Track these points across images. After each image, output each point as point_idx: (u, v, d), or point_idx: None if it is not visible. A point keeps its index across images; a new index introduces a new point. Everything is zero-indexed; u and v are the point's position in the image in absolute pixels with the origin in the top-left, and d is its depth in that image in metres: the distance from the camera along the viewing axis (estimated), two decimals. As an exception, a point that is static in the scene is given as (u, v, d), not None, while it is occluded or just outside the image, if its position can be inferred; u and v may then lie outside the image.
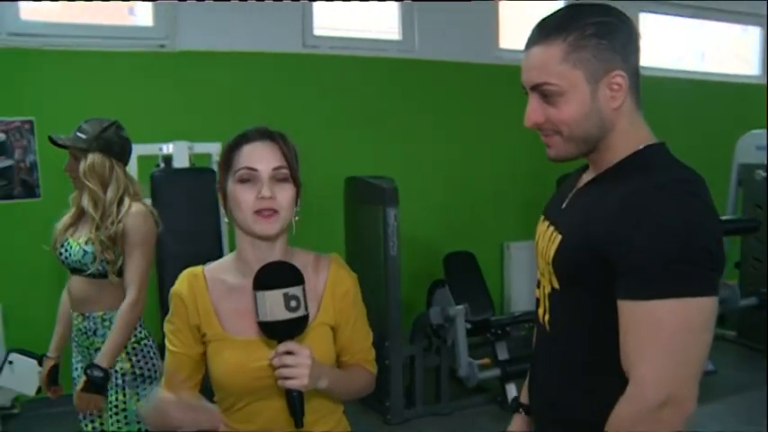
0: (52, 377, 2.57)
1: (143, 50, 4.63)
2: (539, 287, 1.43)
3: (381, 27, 5.51)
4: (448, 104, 5.57)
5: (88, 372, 2.31)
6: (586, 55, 1.22)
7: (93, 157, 2.39)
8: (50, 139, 2.45)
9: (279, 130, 1.53)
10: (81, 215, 2.44)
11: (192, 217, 3.60)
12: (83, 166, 2.39)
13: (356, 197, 4.50)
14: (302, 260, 1.49)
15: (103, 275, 2.39)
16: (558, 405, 1.35)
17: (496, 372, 4.12)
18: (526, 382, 1.56)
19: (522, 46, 1.31)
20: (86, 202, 2.40)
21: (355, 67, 5.26)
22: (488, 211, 5.73)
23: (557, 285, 1.32)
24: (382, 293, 4.14)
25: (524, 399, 1.56)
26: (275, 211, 1.45)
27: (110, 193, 2.40)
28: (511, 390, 4.06)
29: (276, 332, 1.36)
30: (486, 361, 4.13)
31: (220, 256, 3.18)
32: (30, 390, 2.78)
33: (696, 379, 1.15)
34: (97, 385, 2.30)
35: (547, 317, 1.38)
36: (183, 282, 1.54)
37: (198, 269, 1.56)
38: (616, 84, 1.24)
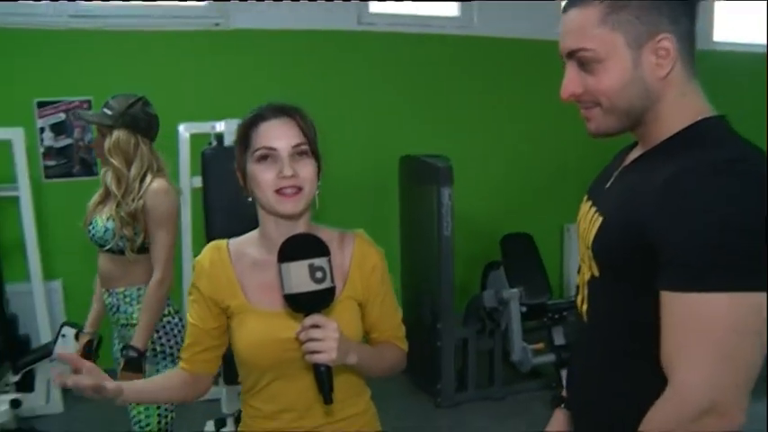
0: (87, 352, 2.61)
1: (198, 30, 4.65)
2: (579, 273, 1.31)
3: (438, 3, 5.38)
4: (507, 82, 5.41)
5: (124, 353, 2.36)
6: (627, 16, 1.09)
7: (118, 134, 2.39)
8: (78, 115, 2.46)
9: (294, 104, 1.47)
10: (109, 193, 2.45)
11: (242, 195, 3.60)
12: (108, 142, 2.40)
13: (411, 177, 4.43)
14: (326, 236, 1.43)
15: (123, 252, 2.40)
16: (598, 400, 1.25)
17: (551, 357, 4.00)
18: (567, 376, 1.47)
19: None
20: (110, 179, 2.41)
21: (412, 44, 5.15)
22: (549, 192, 5.55)
23: (596, 272, 1.20)
24: (435, 274, 4.08)
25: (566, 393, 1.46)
26: (299, 189, 1.41)
27: (133, 170, 2.39)
28: (566, 375, 3.92)
29: (302, 305, 1.32)
30: (540, 346, 4.02)
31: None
32: (80, 363, 2.83)
33: (746, 386, 1.02)
34: (134, 365, 2.33)
35: (585, 306, 1.27)
36: (206, 254, 1.52)
37: (222, 242, 1.53)
38: (662, 49, 1.10)
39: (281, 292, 1.33)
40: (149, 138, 2.46)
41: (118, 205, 2.37)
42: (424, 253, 4.22)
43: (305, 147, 1.42)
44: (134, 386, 1.49)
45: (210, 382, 1.59)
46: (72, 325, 2.95)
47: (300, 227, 1.46)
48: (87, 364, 1.34)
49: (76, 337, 2.70)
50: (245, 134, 1.45)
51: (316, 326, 1.30)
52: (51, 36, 4.36)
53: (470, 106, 5.33)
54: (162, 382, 1.58)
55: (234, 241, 1.54)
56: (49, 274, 4.23)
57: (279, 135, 1.41)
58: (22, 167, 3.82)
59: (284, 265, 1.30)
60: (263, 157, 1.41)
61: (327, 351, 1.29)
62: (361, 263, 1.52)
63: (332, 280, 1.32)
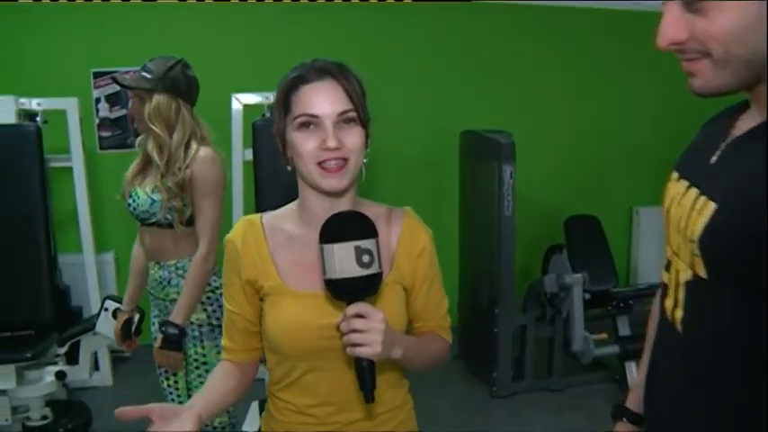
0: (126, 331, 2.53)
1: (252, 2, 4.53)
2: (668, 270, 1.07)
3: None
4: (574, 53, 5.13)
5: (163, 329, 2.24)
6: None
7: (158, 99, 2.24)
8: (114, 79, 2.34)
9: (338, 61, 1.30)
10: (148, 162, 2.32)
11: (283, 163, 3.45)
12: (148, 108, 2.25)
13: (471, 153, 4.24)
14: (372, 212, 1.28)
15: (171, 225, 2.28)
16: (689, 424, 1.01)
17: (615, 349, 3.77)
18: (635, 386, 1.26)
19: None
20: (151, 147, 2.26)
21: (474, 14, 4.92)
22: (617, 172, 5.28)
23: (702, 273, 0.95)
24: (494, 256, 3.89)
25: (633, 405, 1.25)
26: (344, 161, 1.25)
27: (176, 137, 2.25)
28: (631, 369, 3.70)
29: (345, 292, 1.17)
30: (603, 336, 3.78)
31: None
32: (121, 337, 2.78)
33: None
34: (173, 342, 2.23)
35: (679, 313, 1.02)
36: (238, 230, 1.37)
37: (255, 217, 1.39)
38: None
39: (320, 273, 1.19)
40: (190, 102, 2.32)
41: (163, 176, 2.24)
42: (483, 234, 4.04)
43: (352, 113, 1.25)
44: (205, 405, 1.33)
45: (257, 366, 1.47)
46: (115, 299, 2.89)
47: (345, 202, 1.32)
48: (156, 409, 1.19)
49: (114, 315, 2.61)
50: (285, 97, 1.29)
51: (359, 315, 1.16)
52: (108, 7, 4.32)
53: (535, 79, 5.08)
54: (221, 387, 1.41)
55: (268, 215, 1.39)
56: (101, 246, 4.22)
57: (322, 101, 1.24)
58: (76, 138, 3.79)
59: (327, 247, 1.15)
60: (305, 125, 1.25)
61: (372, 344, 1.15)
62: (410, 244, 1.37)
63: (380, 264, 1.17)
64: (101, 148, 4.37)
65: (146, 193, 2.28)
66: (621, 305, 3.89)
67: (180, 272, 2.33)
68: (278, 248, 1.34)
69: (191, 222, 2.29)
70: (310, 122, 1.24)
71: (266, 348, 1.39)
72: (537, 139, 4.88)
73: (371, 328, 1.15)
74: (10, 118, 3.49)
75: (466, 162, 4.33)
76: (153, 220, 2.30)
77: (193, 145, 2.26)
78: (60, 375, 3.05)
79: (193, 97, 2.34)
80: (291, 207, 1.38)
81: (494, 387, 3.89)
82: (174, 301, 2.34)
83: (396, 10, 4.76)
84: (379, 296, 1.25)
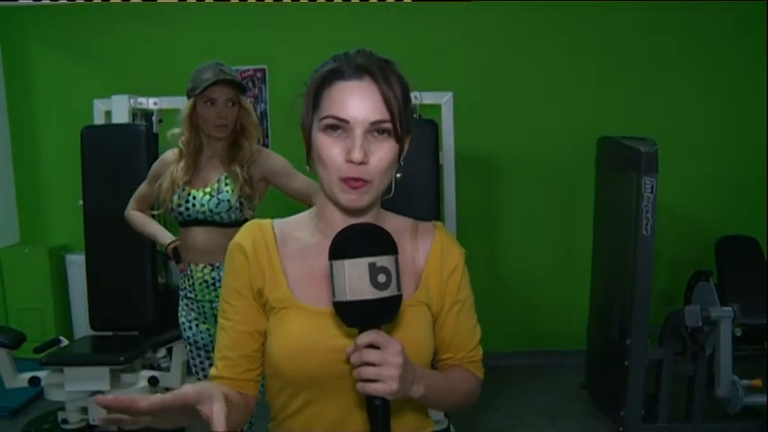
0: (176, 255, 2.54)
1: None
2: None
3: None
4: (731, 52, 4.52)
5: None
6: None
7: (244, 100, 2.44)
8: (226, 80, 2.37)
9: (385, 56, 1.14)
10: (196, 164, 2.40)
11: (413, 175, 3.21)
12: (241, 108, 2.42)
13: (608, 161, 3.82)
14: (396, 226, 1.19)
15: (233, 224, 2.29)
16: None
17: (771, 398, 3.21)
18: None
19: None
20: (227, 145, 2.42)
21: (612, 9, 4.45)
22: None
23: None
24: (629, 281, 3.44)
25: None
26: (365, 182, 1.10)
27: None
28: (790, 424, 3.14)
29: (357, 317, 1.01)
30: (757, 382, 3.22)
31: (436, 217, 2.66)
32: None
33: None
34: None
35: None
36: (247, 234, 1.23)
37: (266, 221, 1.25)
38: None
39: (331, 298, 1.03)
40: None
41: (240, 168, 2.37)
42: (617, 254, 3.61)
43: (386, 125, 1.10)
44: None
45: (250, 407, 1.22)
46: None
47: (366, 216, 1.19)
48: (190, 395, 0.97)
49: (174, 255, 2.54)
50: (316, 90, 1.14)
51: (373, 346, 0.99)
52: (226, 5, 4.29)
53: (685, 81, 4.54)
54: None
55: (279, 222, 1.26)
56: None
57: (355, 104, 1.09)
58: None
59: (336, 263, 1.00)
60: (332, 128, 1.11)
61: (386, 381, 0.99)
62: (441, 262, 1.23)
63: (398, 286, 1.01)
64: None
65: (207, 194, 2.33)
66: (781, 345, 3.33)
67: None
68: (289, 258, 1.20)
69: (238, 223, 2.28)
70: (338, 126, 1.10)
71: (267, 375, 1.21)
72: (684, 145, 4.38)
73: (387, 361, 0.99)
74: (124, 117, 3.48)
75: (602, 172, 3.92)
76: (213, 220, 2.32)
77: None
78: (153, 381, 3.00)
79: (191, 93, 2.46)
80: (305, 216, 1.26)
81: (621, 427, 3.44)
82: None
83: (524, 7, 4.40)
84: (400, 320, 1.11)
